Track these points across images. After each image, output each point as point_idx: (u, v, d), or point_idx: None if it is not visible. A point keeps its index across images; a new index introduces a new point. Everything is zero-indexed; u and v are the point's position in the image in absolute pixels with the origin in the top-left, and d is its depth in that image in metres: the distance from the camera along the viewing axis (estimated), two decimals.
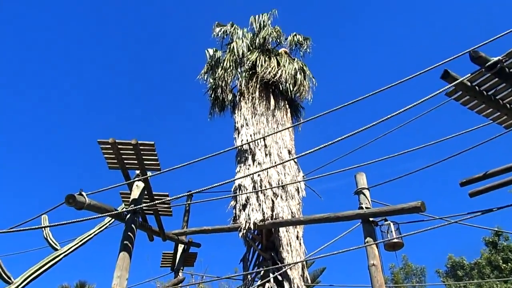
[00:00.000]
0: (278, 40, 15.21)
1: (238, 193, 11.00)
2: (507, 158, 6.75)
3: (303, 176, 11.79)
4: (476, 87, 5.32)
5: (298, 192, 11.40)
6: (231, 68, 14.28)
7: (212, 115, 14.67)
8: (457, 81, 5.11)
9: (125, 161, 8.02)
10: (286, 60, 14.13)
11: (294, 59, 14.68)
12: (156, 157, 7.99)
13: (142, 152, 7.86)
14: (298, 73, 13.98)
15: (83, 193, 6.73)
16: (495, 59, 4.94)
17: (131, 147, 7.75)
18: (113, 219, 10.66)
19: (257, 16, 15.30)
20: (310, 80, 14.49)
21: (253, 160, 11.66)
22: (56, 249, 11.02)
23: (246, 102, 13.36)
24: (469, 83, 5.25)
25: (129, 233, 7.84)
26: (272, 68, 13.71)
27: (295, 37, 15.25)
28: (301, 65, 14.53)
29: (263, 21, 15.07)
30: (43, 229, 11.25)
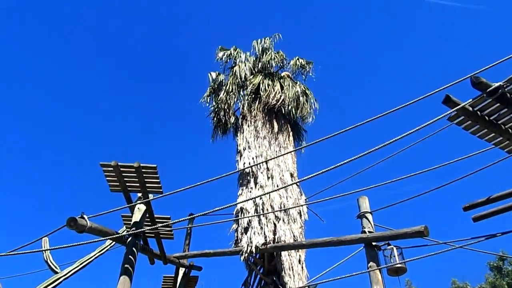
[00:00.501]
0: (281, 64, 15.33)
1: (240, 216, 10.92)
2: (511, 183, 6.70)
3: (305, 200, 11.72)
4: (478, 112, 5.32)
5: (300, 216, 11.32)
6: (234, 91, 14.39)
7: (214, 138, 14.72)
8: (459, 106, 5.11)
9: (127, 184, 8.00)
10: (288, 84, 14.21)
11: (296, 83, 14.77)
12: (158, 180, 7.97)
13: (144, 175, 7.85)
14: (301, 96, 14.06)
15: (84, 216, 6.69)
16: (496, 84, 4.96)
17: (133, 170, 7.74)
18: (114, 242, 10.58)
19: (259, 40, 15.49)
20: (313, 104, 14.59)
21: (255, 183, 11.61)
22: (56, 272, 10.91)
23: (248, 125, 13.39)
24: (470, 108, 5.25)
25: (130, 256, 7.77)
26: (275, 92, 13.78)
27: (297, 61, 15.37)
28: (304, 89, 14.63)
29: (266, 45, 15.24)
30: (44, 252, 11.16)
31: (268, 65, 14.91)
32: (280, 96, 13.71)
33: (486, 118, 5.38)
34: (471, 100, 5.14)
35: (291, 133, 13.67)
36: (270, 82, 14.11)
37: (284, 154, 10.18)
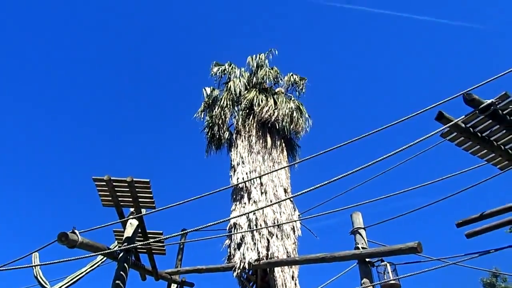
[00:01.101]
0: (275, 80, 15.40)
1: (233, 232, 10.84)
2: (503, 199, 6.71)
3: (298, 215, 11.67)
4: (471, 129, 5.34)
5: (294, 231, 11.26)
6: (228, 106, 14.42)
7: (208, 153, 14.69)
8: (452, 123, 5.13)
9: (120, 199, 7.94)
10: (282, 100, 14.25)
11: (290, 98, 14.82)
12: (151, 195, 7.91)
13: (137, 189, 7.79)
14: (295, 112, 14.09)
15: (75, 231, 6.60)
16: (488, 101, 4.99)
17: (126, 184, 7.68)
18: (105, 258, 10.45)
19: (254, 56, 15.60)
20: (306, 119, 14.61)
21: (249, 198, 11.56)
22: None
23: (242, 140, 13.39)
24: (463, 125, 5.27)
25: (121, 272, 7.66)
26: (269, 107, 13.81)
27: (291, 77, 15.47)
28: (298, 104, 14.66)
29: (261, 61, 15.36)
30: (34, 267, 10.99)
31: (263, 81, 14.99)
32: (274, 112, 13.74)
33: (479, 134, 5.40)
34: (463, 116, 5.16)
35: (284, 149, 13.67)
36: (264, 98, 14.15)
37: (278, 169, 10.12)
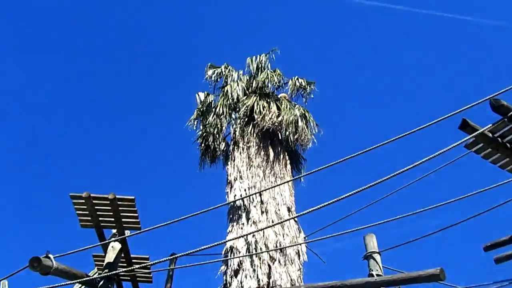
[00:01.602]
0: (278, 84, 15.45)
1: (229, 257, 10.82)
2: None
3: (304, 238, 11.65)
4: (499, 139, 5.35)
5: (299, 256, 11.23)
6: (225, 114, 14.46)
7: (202, 166, 14.72)
8: (477, 132, 5.14)
9: (100, 219, 7.93)
10: (286, 106, 14.28)
11: (295, 105, 14.86)
12: (136, 214, 7.91)
13: (120, 208, 7.79)
14: (300, 120, 14.11)
15: (50, 255, 6.59)
16: None
17: (108, 202, 7.68)
18: (83, 286, 10.40)
19: (254, 57, 15.65)
20: (313, 129, 14.65)
21: (248, 219, 11.56)
22: None
23: (240, 152, 13.42)
24: (490, 134, 5.28)
25: None
26: (271, 115, 13.83)
27: (297, 81, 15.43)
28: (303, 112, 14.69)
29: (261, 63, 15.41)
30: None
31: (264, 85, 15.03)
32: (277, 120, 13.77)
33: (508, 145, 5.41)
34: (491, 125, 5.17)
35: (288, 162, 13.69)
36: (265, 104, 14.18)
37: (280, 184, 10.20)
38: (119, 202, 7.72)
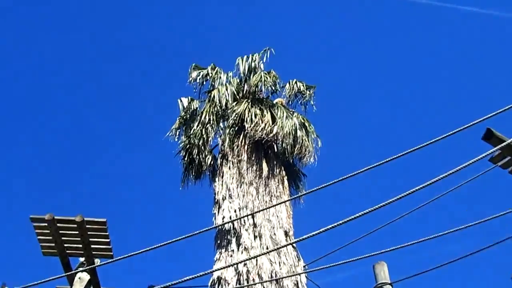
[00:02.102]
0: (273, 88, 15.49)
1: None
2: None
3: (304, 267, 11.61)
4: None
5: None
6: (211, 122, 14.48)
7: (185, 183, 14.68)
8: (504, 144, 5.14)
9: (66, 245, 7.88)
10: (283, 114, 14.28)
11: (293, 113, 14.90)
12: (108, 240, 7.87)
13: (89, 233, 7.74)
14: (299, 130, 14.12)
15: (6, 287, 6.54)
16: None
17: (75, 225, 7.63)
18: None
19: (245, 57, 15.68)
20: (314, 140, 14.67)
21: (238, 244, 11.51)
22: None
23: (230, 167, 13.40)
24: None
25: None
26: (265, 124, 13.82)
27: (295, 84, 15.51)
28: (303, 121, 14.73)
29: (254, 63, 15.44)
30: None
31: (257, 89, 15.08)
32: (272, 130, 13.77)
33: None
34: None
35: (285, 178, 13.69)
36: (258, 111, 14.19)
37: (277, 204, 10.15)
38: (88, 226, 7.67)
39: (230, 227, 11.92)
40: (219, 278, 10.99)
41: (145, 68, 38.74)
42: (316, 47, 37.05)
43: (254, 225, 11.82)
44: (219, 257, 11.59)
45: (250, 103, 14.55)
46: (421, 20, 36.11)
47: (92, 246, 7.88)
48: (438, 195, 7.43)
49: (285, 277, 10.84)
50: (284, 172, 13.79)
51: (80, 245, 7.86)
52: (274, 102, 15.17)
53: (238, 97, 15.04)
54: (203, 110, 14.79)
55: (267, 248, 11.23)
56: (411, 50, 36.64)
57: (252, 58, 15.59)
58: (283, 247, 11.36)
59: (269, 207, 12.01)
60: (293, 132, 13.98)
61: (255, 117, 13.99)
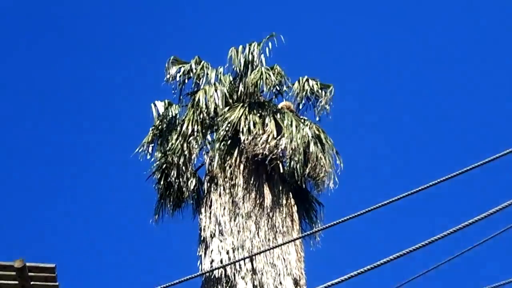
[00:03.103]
0: (278, 88, 15.49)
1: None
2: None
3: None
4: None
5: None
6: (196, 134, 14.41)
7: (159, 215, 14.66)
8: None
9: None
10: (291, 122, 14.26)
11: (304, 121, 14.89)
12: None
13: (33, 282, 7.73)
14: (312, 144, 14.07)
15: None
16: None
17: (13, 273, 7.62)
18: None
19: (241, 47, 15.67)
20: (333, 157, 14.62)
21: None
22: None
23: (220, 194, 13.38)
24: None
25: None
26: (267, 136, 13.78)
27: (307, 83, 15.44)
28: (317, 131, 14.68)
29: (252, 56, 15.41)
30: None
31: (256, 90, 15.02)
32: (277, 144, 13.75)
33: None
34: None
35: (295, 208, 13.71)
36: (258, 120, 14.16)
37: (283, 244, 10.08)
38: (31, 273, 7.66)
39: (221, 274, 11.91)
40: None
41: (106, 61, 38.73)
42: (336, 33, 37.13)
43: (253, 271, 11.83)
44: None
45: (247, 109, 14.54)
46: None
47: None
48: (492, 235, 7.44)
49: None
50: (293, 201, 13.82)
51: None
52: (279, 106, 15.20)
53: (231, 100, 15.07)
54: (185, 118, 14.73)
55: None
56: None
57: (249, 49, 15.54)
58: None
59: (273, 248, 11.99)
60: (305, 147, 13.96)
61: (254, 127, 13.95)
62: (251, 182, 13.54)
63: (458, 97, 36.25)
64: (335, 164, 14.60)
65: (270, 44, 15.67)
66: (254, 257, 11.84)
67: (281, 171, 14.04)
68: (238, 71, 15.53)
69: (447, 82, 34.82)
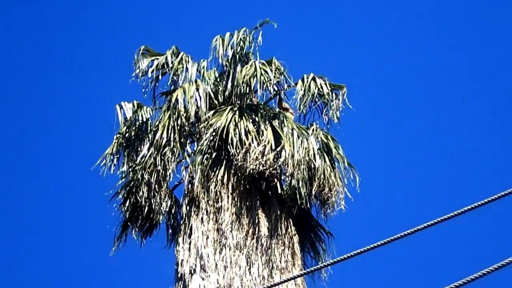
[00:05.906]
0: (276, 88, 15.42)
1: None
2: None
3: None
4: None
5: None
6: (172, 144, 14.33)
7: (122, 244, 14.56)
8: None
9: None
10: (292, 131, 14.23)
11: (308, 128, 14.82)
12: None
13: None
14: (319, 157, 14.04)
15: None
16: None
17: None
18: None
19: (228, 35, 15.62)
20: (347, 173, 14.53)
21: None
22: None
23: (203, 220, 13.36)
24: None
25: None
26: (263, 148, 13.76)
27: (313, 82, 15.36)
28: (326, 141, 14.62)
29: (243, 46, 15.41)
30: None
31: (247, 89, 14.96)
32: (275, 158, 13.70)
33: None
34: None
35: (296, 238, 13.62)
36: (250, 126, 14.12)
37: (282, 282, 9.99)
38: None
39: None
40: None
41: (58, 54, 38.84)
42: (346, 24, 37.45)
43: None
44: None
45: (237, 113, 14.51)
46: None
47: None
48: None
49: None
50: (292, 227, 13.78)
51: None
52: (277, 111, 15.12)
53: (216, 102, 15.03)
54: (159, 123, 14.68)
55: None
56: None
57: (239, 38, 15.52)
58: None
59: (269, 287, 11.93)
60: (309, 161, 13.90)
61: (246, 136, 13.91)
62: (242, 205, 13.46)
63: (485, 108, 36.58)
64: (348, 181, 14.51)
65: (261, 33, 15.64)
66: None
67: (280, 191, 13.94)
68: (225, 66, 15.45)
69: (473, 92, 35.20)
